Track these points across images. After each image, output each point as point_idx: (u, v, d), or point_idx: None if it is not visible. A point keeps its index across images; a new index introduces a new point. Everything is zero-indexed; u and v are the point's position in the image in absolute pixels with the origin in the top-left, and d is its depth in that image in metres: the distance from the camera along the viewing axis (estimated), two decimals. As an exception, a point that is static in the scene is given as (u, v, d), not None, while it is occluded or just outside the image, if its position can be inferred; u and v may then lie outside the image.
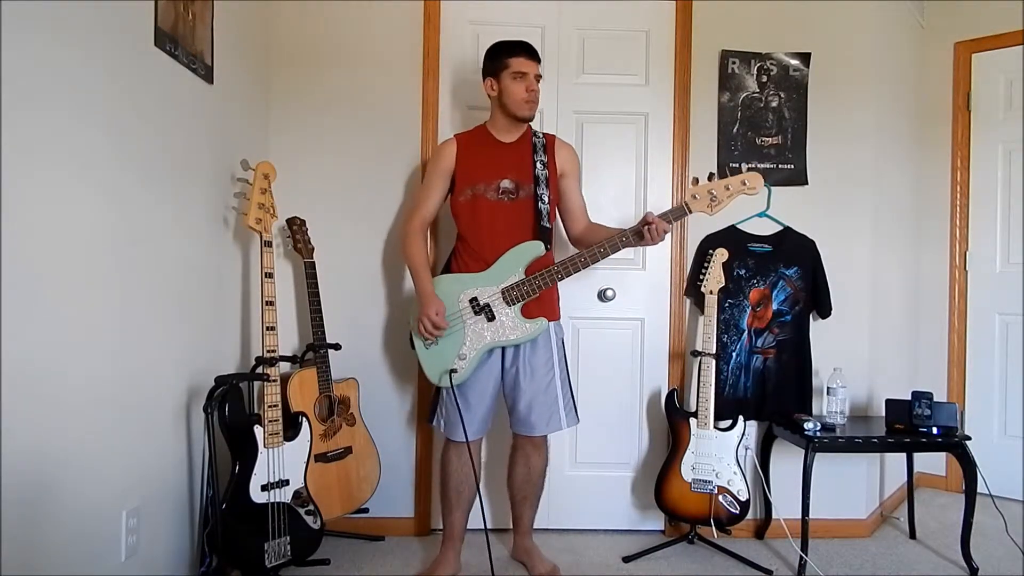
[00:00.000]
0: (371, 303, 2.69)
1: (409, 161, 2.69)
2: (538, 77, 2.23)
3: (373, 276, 2.69)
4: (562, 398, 2.29)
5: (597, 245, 2.15)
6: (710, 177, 2.16)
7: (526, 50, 2.22)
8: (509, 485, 2.40)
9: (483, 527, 2.23)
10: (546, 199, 2.23)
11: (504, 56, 2.21)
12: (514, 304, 2.16)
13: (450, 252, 2.37)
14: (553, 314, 2.30)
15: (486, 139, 2.30)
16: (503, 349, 2.23)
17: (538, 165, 2.25)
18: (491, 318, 2.16)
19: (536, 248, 2.18)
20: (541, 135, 2.32)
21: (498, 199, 2.23)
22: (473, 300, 2.18)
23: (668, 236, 2.72)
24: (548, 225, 2.22)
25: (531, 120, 2.28)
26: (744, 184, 2.14)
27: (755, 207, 2.70)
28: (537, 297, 2.19)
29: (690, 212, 2.16)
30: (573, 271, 2.16)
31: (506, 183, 2.24)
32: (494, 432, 2.49)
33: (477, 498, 2.28)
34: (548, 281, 2.16)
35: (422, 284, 2.22)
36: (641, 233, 2.12)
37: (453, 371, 2.17)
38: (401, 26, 2.67)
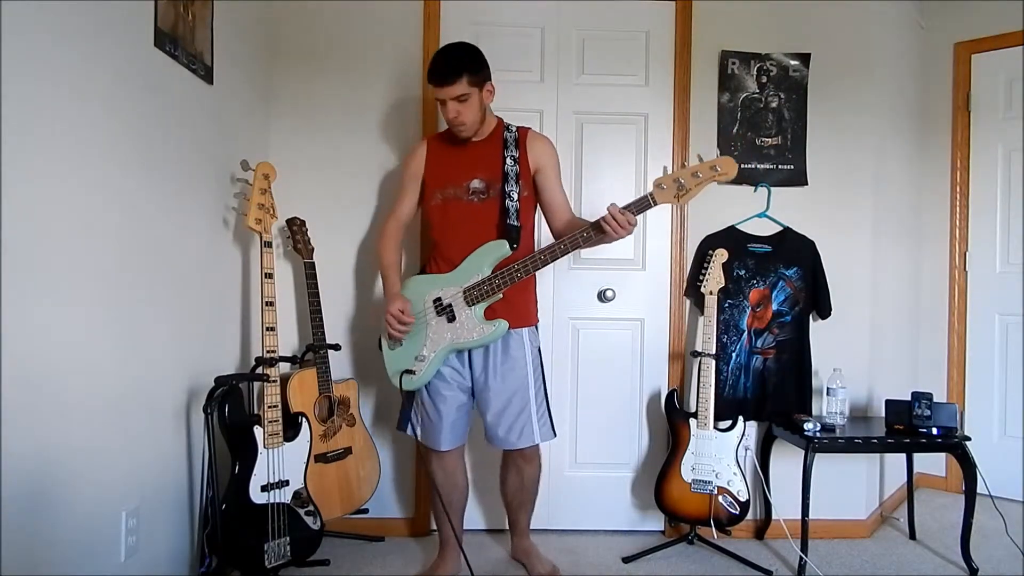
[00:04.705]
0: (371, 303, 2.69)
1: (409, 161, 2.69)
2: (461, 97, 2.04)
3: (373, 276, 2.69)
4: (536, 410, 2.18)
5: (558, 241, 2.03)
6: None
7: (434, 75, 2.05)
8: (503, 493, 2.38)
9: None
10: (515, 196, 2.12)
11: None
12: (475, 304, 2.08)
13: (426, 256, 2.31)
14: (524, 319, 2.20)
15: (456, 140, 2.20)
16: (470, 355, 2.17)
17: (508, 161, 2.14)
18: (452, 319, 2.11)
19: (500, 247, 2.08)
20: (514, 129, 2.21)
21: (469, 200, 2.15)
22: (437, 300, 2.12)
23: (666, 238, 2.74)
24: (516, 223, 2.11)
25: (468, 139, 2.16)
26: (715, 170, 1.91)
27: (755, 207, 2.71)
28: (505, 300, 2.10)
29: (655, 203, 1.95)
30: (533, 269, 2.05)
31: (476, 183, 2.15)
32: (482, 436, 2.49)
33: (466, 500, 2.24)
34: (508, 280, 2.05)
35: (388, 283, 2.22)
36: (601, 227, 1.94)
37: (410, 372, 2.13)
38: (401, 26, 2.67)
